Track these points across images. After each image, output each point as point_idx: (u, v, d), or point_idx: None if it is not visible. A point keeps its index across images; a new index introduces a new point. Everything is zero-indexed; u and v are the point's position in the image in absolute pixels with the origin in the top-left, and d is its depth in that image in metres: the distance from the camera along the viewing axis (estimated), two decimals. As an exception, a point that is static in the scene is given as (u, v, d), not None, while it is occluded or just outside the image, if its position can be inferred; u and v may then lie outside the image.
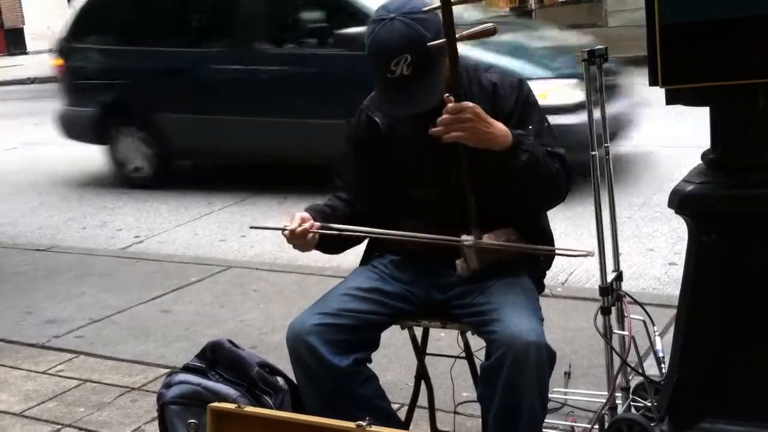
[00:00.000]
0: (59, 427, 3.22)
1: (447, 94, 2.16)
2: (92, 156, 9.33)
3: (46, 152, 9.83)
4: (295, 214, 2.38)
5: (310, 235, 2.34)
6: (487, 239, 2.30)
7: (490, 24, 2.17)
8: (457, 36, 2.11)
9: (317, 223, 2.36)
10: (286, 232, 2.33)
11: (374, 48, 2.24)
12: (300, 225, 2.33)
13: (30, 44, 32.31)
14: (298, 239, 2.34)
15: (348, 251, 2.56)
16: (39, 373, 3.73)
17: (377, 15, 2.27)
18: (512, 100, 2.35)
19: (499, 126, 2.20)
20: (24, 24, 32.62)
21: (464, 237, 2.29)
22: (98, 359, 3.84)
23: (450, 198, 2.35)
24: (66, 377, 3.66)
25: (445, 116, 2.14)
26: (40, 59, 27.51)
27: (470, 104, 2.14)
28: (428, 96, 2.24)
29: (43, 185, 8.13)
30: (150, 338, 4.05)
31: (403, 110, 2.31)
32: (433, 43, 2.17)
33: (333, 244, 2.46)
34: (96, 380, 3.60)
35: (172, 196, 7.23)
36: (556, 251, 2.46)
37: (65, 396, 3.48)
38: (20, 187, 8.15)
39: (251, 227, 2.66)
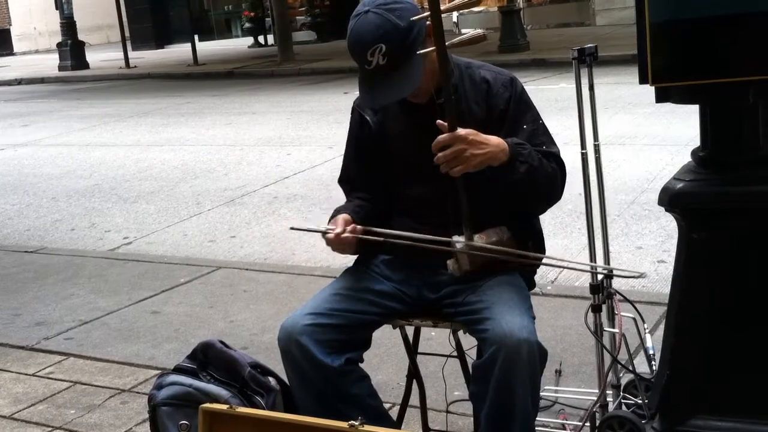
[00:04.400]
0: (50, 429, 3.21)
1: (438, 121, 2.16)
2: (80, 157, 9.31)
3: (34, 154, 9.80)
4: (338, 217, 2.37)
5: (353, 239, 2.32)
6: (479, 239, 2.30)
7: (479, 30, 2.18)
8: (447, 43, 2.11)
9: (360, 227, 2.35)
10: (330, 234, 2.32)
11: (351, 42, 2.27)
12: (344, 229, 2.31)
13: (17, 45, 32.16)
14: (341, 243, 2.33)
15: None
16: (29, 375, 3.71)
17: (356, 10, 2.30)
18: (505, 98, 2.36)
19: (494, 141, 2.22)
20: (10, 25, 32.46)
21: (456, 238, 2.29)
22: (88, 361, 3.83)
23: (443, 196, 2.36)
24: (56, 379, 3.64)
25: (440, 155, 2.16)
26: (26, 60, 27.41)
27: (461, 134, 2.15)
28: (406, 84, 2.25)
29: (30, 187, 8.09)
30: (140, 339, 4.03)
31: (381, 99, 2.32)
32: (422, 51, 2.18)
33: (362, 247, 2.42)
34: (86, 382, 3.59)
35: (161, 197, 7.21)
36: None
37: (55, 398, 3.46)
38: (8, 188, 8.11)
39: (292, 228, 2.47)
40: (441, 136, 2.16)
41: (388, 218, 2.47)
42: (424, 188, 2.42)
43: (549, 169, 2.30)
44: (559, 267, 2.48)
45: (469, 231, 2.28)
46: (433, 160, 2.18)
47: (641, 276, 2.40)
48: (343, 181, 2.61)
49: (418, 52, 2.20)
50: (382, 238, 2.34)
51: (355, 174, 2.57)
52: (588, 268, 2.57)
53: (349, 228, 2.32)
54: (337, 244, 2.33)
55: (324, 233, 2.34)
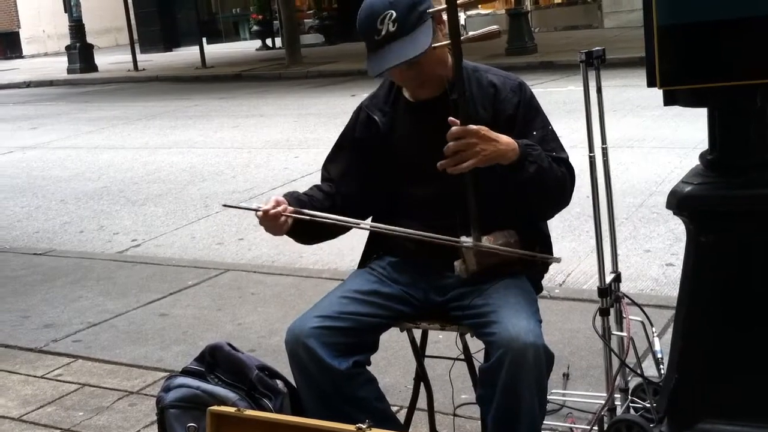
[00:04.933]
0: (58, 431, 3.22)
1: (451, 118, 2.17)
2: (89, 160, 9.34)
3: (42, 156, 9.83)
4: (271, 197, 2.39)
5: (282, 218, 2.34)
6: (486, 240, 2.30)
7: (495, 26, 2.18)
8: (462, 38, 2.12)
9: (290, 207, 2.36)
10: (260, 213, 2.33)
11: (362, 15, 2.31)
12: (274, 207, 2.33)
13: (26, 48, 32.27)
14: (271, 221, 2.34)
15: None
16: (37, 377, 3.72)
17: None
18: (513, 104, 2.36)
19: (505, 140, 2.22)
20: (19, 28, 32.58)
21: (463, 238, 2.29)
22: (96, 363, 3.83)
23: (450, 198, 2.36)
24: (64, 381, 3.65)
25: (451, 144, 2.16)
26: (35, 63, 27.51)
27: (473, 128, 2.16)
28: (413, 47, 2.25)
29: (39, 189, 8.11)
30: (148, 342, 4.04)
31: (389, 62, 2.30)
32: (438, 44, 2.19)
33: (305, 233, 2.46)
34: (94, 384, 3.60)
35: (169, 200, 7.23)
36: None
37: (64, 400, 3.47)
38: (16, 191, 8.14)
39: (224, 205, 2.61)
40: (454, 128, 2.16)
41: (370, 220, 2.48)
42: (430, 189, 2.42)
43: (558, 172, 2.30)
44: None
45: (477, 232, 2.28)
46: (440, 157, 2.17)
47: (557, 260, 2.47)
48: (324, 166, 2.62)
49: (433, 46, 2.21)
50: (308, 218, 2.36)
51: (332, 166, 2.58)
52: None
53: (280, 208, 2.33)
54: (267, 222, 2.34)
55: (256, 211, 2.35)
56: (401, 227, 2.41)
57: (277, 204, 2.35)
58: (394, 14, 2.25)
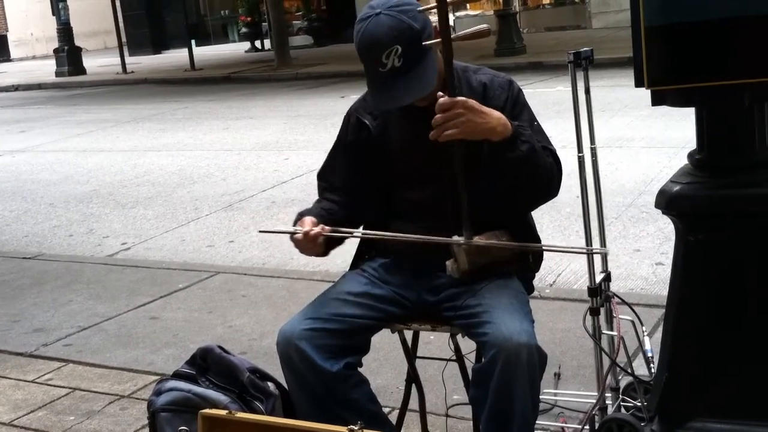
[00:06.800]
0: (49, 436, 3.21)
1: (439, 92, 2.17)
2: (78, 163, 9.31)
3: (31, 160, 9.80)
4: (304, 218, 2.37)
5: (321, 238, 2.33)
6: (478, 240, 2.30)
7: (484, 25, 2.18)
8: (452, 36, 2.12)
9: (328, 227, 2.35)
10: (298, 235, 2.32)
11: (364, 44, 2.26)
12: (311, 228, 2.31)
13: (14, 51, 32.16)
14: (309, 243, 2.32)
15: (337, 255, 2.56)
16: (28, 382, 3.71)
17: (363, 13, 2.29)
18: (502, 99, 2.37)
19: (495, 115, 2.20)
20: (7, 31, 32.47)
21: (455, 238, 2.30)
22: (87, 367, 3.82)
23: (442, 199, 2.36)
24: (55, 386, 3.64)
25: (437, 116, 2.15)
26: (23, 66, 27.41)
27: (461, 99, 2.15)
28: (421, 84, 2.25)
29: (28, 193, 8.08)
30: (139, 345, 4.03)
31: (397, 101, 2.30)
32: (428, 42, 2.19)
33: (331, 248, 2.45)
34: (85, 388, 3.59)
35: (159, 203, 7.21)
36: (544, 247, 2.48)
37: (54, 405, 3.46)
38: (5, 194, 8.10)
39: (260, 231, 2.59)
40: (441, 100, 2.15)
41: (365, 224, 2.47)
42: (423, 191, 2.42)
43: (548, 159, 2.30)
44: (557, 251, 2.48)
45: (469, 231, 2.28)
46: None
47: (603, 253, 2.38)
48: (321, 177, 2.61)
49: (424, 43, 2.20)
50: (348, 236, 2.35)
51: (333, 175, 2.56)
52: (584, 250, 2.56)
53: (317, 228, 2.32)
54: (306, 244, 2.32)
55: (292, 234, 2.34)
56: (394, 228, 2.42)
57: (313, 225, 2.33)
58: (400, 49, 2.20)
